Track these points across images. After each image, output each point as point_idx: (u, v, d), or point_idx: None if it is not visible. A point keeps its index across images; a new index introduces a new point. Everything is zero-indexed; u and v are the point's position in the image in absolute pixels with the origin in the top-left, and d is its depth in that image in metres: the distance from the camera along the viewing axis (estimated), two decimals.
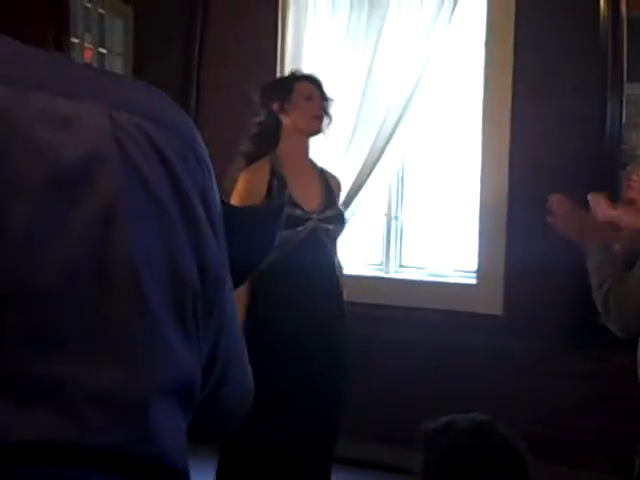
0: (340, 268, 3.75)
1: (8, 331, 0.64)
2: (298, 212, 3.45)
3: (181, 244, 0.74)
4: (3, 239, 0.65)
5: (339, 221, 3.64)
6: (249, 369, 0.97)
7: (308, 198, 3.55)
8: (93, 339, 0.68)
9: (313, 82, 3.73)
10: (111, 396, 0.69)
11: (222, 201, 0.84)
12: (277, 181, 3.54)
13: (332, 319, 3.60)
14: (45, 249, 0.66)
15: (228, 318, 0.85)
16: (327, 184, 3.70)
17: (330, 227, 3.56)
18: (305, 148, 3.70)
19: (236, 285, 0.89)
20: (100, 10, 5.39)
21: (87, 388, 0.67)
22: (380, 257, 5.10)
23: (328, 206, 3.60)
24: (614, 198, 2.84)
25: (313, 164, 3.79)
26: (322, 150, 4.83)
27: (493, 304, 4.59)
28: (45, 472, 0.66)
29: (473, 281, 4.74)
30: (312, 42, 4.91)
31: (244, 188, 3.52)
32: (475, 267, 4.73)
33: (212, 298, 0.78)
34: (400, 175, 5.05)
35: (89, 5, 5.32)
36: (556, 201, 2.60)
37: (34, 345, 0.65)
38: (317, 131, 3.66)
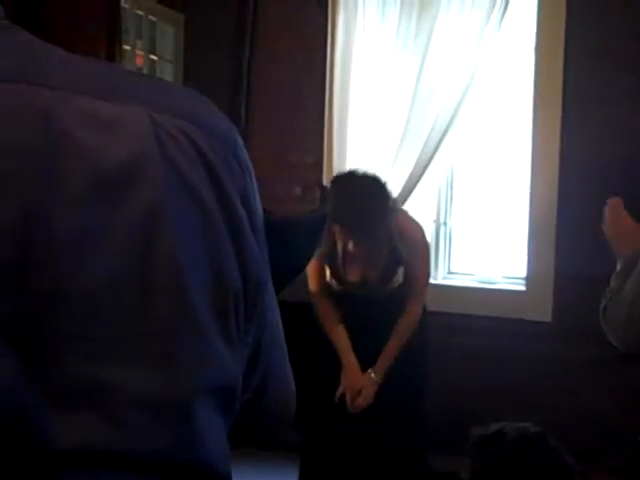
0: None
1: (54, 337, 0.65)
2: None
3: (223, 246, 0.74)
4: (48, 243, 0.65)
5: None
6: (291, 375, 0.96)
7: None
8: (137, 343, 0.68)
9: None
10: (156, 401, 0.69)
11: (264, 210, 0.84)
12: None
13: None
14: (90, 252, 0.66)
15: (269, 323, 0.85)
16: None
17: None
18: None
19: (275, 292, 0.88)
20: (151, 17, 5.42)
21: (132, 393, 0.68)
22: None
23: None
24: None
25: None
26: (371, 155, 4.83)
27: (542, 311, 4.56)
28: (91, 478, 0.66)
29: (522, 288, 4.71)
30: (362, 47, 4.90)
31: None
32: (524, 273, 4.70)
33: (253, 302, 0.78)
34: (449, 181, 5.03)
35: (141, 12, 5.35)
36: (611, 205, 2.54)
37: (79, 350, 0.66)
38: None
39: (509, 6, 4.57)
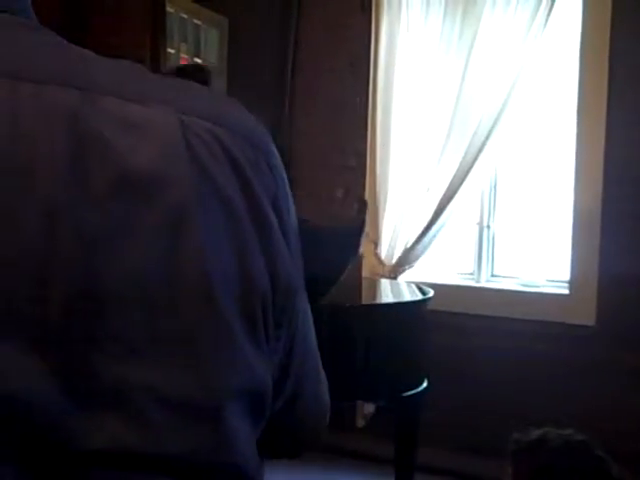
0: None
1: (81, 338, 0.65)
2: None
3: (252, 251, 0.74)
4: (74, 243, 0.65)
5: None
6: (325, 385, 0.96)
7: None
8: (165, 344, 0.68)
9: None
10: (184, 403, 0.69)
11: (302, 220, 0.84)
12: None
13: None
14: (116, 253, 0.66)
15: (301, 330, 0.84)
16: None
17: None
18: None
19: (312, 301, 0.87)
20: (196, 21, 5.46)
21: (160, 395, 0.67)
22: (472, 266, 5.07)
23: None
24: None
25: None
26: (414, 158, 4.83)
27: (586, 314, 4.52)
28: (118, 479, 0.66)
29: (566, 291, 4.68)
30: (405, 49, 4.90)
31: None
32: (568, 277, 4.67)
33: (282, 308, 0.78)
34: (492, 183, 5.01)
35: (185, 16, 5.40)
36: None
37: (106, 352, 0.65)
38: None
39: (554, 6, 4.54)
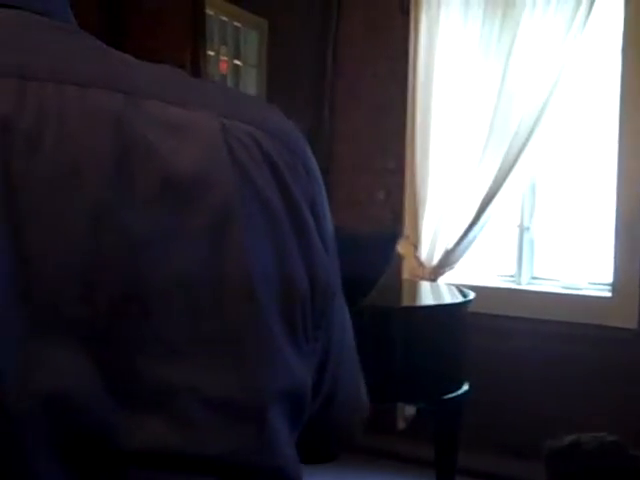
0: None
1: (125, 339, 0.65)
2: None
3: (292, 253, 0.74)
4: (119, 245, 0.65)
5: None
6: (363, 387, 0.95)
7: None
8: (208, 345, 0.69)
9: None
10: (226, 403, 0.69)
11: (337, 227, 0.85)
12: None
13: None
14: (161, 255, 0.67)
15: (338, 333, 0.85)
16: None
17: None
18: None
19: (350, 306, 0.88)
20: (236, 23, 5.49)
21: (202, 395, 0.68)
22: (512, 269, 5.04)
23: None
24: None
25: None
26: (454, 160, 4.82)
27: (628, 317, 4.49)
28: (160, 478, 0.67)
29: (608, 294, 4.65)
30: (444, 51, 4.89)
31: None
32: (610, 279, 4.63)
33: (321, 310, 0.78)
34: (533, 185, 4.98)
35: (225, 18, 5.43)
36: None
37: (150, 352, 0.66)
38: None
39: (594, 6, 4.51)
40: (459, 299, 3.92)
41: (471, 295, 3.87)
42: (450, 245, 4.87)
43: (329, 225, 0.82)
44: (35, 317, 0.62)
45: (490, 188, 4.73)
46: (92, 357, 0.64)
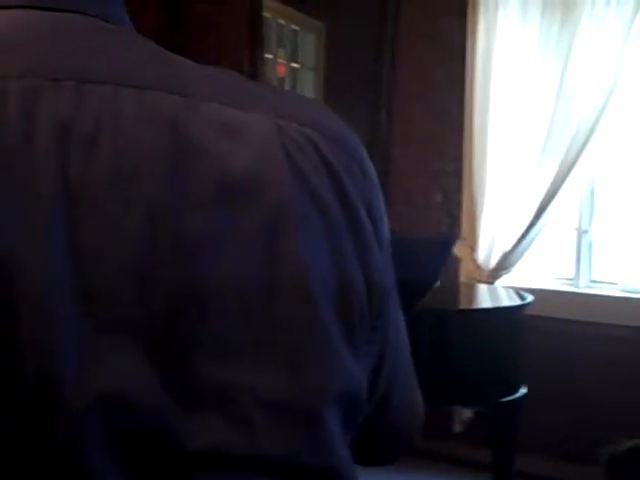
0: None
1: (182, 337, 0.65)
2: None
3: (348, 255, 0.74)
4: (175, 246, 0.66)
5: None
6: (417, 391, 0.95)
7: None
8: (264, 346, 0.68)
9: None
10: (284, 405, 0.69)
11: (393, 229, 0.84)
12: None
13: None
14: (217, 256, 0.67)
15: (393, 336, 0.84)
16: None
17: None
18: None
19: (405, 309, 0.88)
20: (293, 26, 5.52)
21: (259, 397, 0.68)
22: (571, 272, 5.00)
23: None
24: None
25: None
26: (512, 163, 4.79)
27: None
28: (216, 479, 0.67)
29: None
30: (502, 52, 4.87)
31: None
32: None
33: (377, 312, 0.78)
34: (591, 187, 4.94)
35: (282, 22, 5.46)
36: None
37: (207, 353, 0.66)
38: None
39: None
40: (517, 302, 3.90)
41: (529, 298, 3.85)
42: (508, 247, 4.84)
43: (385, 227, 0.81)
44: (92, 317, 0.63)
45: (548, 190, 4.70)
46: (150, 357, 0.64)
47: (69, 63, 0.67)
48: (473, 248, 4.92)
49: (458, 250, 4.88)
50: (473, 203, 4.91)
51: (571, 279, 4.98)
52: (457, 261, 4.92)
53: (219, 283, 0.67)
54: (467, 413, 4.84)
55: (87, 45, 0.71)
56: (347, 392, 0.73)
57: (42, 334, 0.61)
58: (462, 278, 4.96)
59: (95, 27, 0.73)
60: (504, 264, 4.86)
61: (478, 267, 4.92)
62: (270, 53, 5.36)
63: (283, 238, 0.69)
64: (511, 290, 4.24)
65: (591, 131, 4.60)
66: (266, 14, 5.27)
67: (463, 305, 4.53)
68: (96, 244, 0.63)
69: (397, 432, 0.95)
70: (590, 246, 4.97)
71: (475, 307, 4.39)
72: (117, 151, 0.65)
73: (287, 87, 5.47)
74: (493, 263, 4.90)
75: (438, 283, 3.74)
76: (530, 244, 4.81)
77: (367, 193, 0.78)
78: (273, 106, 0.75)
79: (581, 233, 4.95)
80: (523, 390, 3.73)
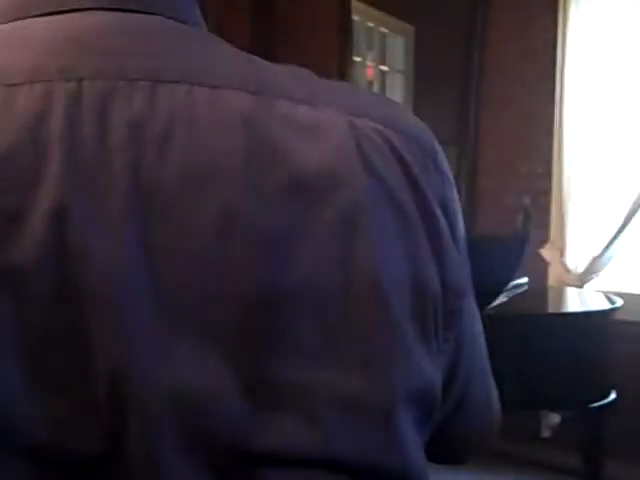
0: None
1: (256, 337, 0.65)
2: None
3: (423, 253, 0.73)
4: (251, 246, 0.65)
5: None
6: (494, 391, 0.94)
7: None
8: (338, 345, 0.68)
9: None
10: (356, 405, 0.68)
11: (466, 230, 0.83)
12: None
13: None
14: (291, 255, 0.66)
15: (468, 335, 0.83)
16: None
17: None
18: None
19: (481, 307, 0.87)
20: (382, 29, 5.52)
21: (334, 397, 0.67)
22: None
23: None
24: None
25: None
26: (603, 165, 4.73)
27: None
28: (288, 478, 0.67)
29: None
30: (595, 49, 4.80)
31: None
32: None
33: (452, 310, 0.77)
34: None
35: (371, 24, 5.47)
36: None
37: (281, 353, 0.66)
38: None
39: None
40: (606, 306, 3.85)
41: (618, 302, 3.80)
42: (597, 251, 4.78)
43: (460, 223, 0.80)
44: (166, 317, 0.63)
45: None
46: (224, 357, 0.64)
47: (142, 63, 0.68)
48: (562, 252, 4.87)
49: (546, 253, 4.84)
50: (562, 206, 4.86)
51: None
52: (546, 265, 4.87)
53: (293, 282, 0.66)
54: (555, 418, 4.79)
55: (160, 45, 0.71)
56: (421, 392, 0.73)
57: (116, 334, 0.61)
58: (551, 282, 4.91)
59: (168, 28, 0.73)
60: (593, 268, 4.80)
61: (567, 271, 4.86)
62: (359, 56, 5.38)
63: (357, 237, 0.69)
64: (600, 294, 4.19)
65: None
66: (355, 17, 5.29)
67: (552, 309, 4.49)
68: (170, 243, 0.63)
69: (471, 436, 0.94)
70: None
71: (564, 311, 4.35)
72: (191, 150, 0.66)
73: (376, 90, 5.45)
74: (582, 267, 4.84)
75: (526, 287, 3.72)
76: (620, 248, 4.74)
77: (442, 190, 0.77)
78: (346, 103, 0.74)
79: None
80: (612, 395, 3.68)
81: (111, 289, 0.61)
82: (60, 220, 0.61)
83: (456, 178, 0.85)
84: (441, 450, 0.88)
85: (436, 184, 0.76)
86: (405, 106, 0.78)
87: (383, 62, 5.57)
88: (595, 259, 4.79)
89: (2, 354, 0.59)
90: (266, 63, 0.76)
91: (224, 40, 0.76)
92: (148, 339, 0.62)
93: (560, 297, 4.60)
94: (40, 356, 0.60)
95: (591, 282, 4.82)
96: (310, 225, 0.67)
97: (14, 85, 0.64)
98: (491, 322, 0.89)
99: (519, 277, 3.55)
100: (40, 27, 0.69)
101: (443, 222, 0.75)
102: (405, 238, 0.72)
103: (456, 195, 0.80)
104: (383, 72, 5.60)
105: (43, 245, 0.60)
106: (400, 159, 0.74)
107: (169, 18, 0.74)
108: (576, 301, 4.46)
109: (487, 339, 0.89)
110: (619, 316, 3.78)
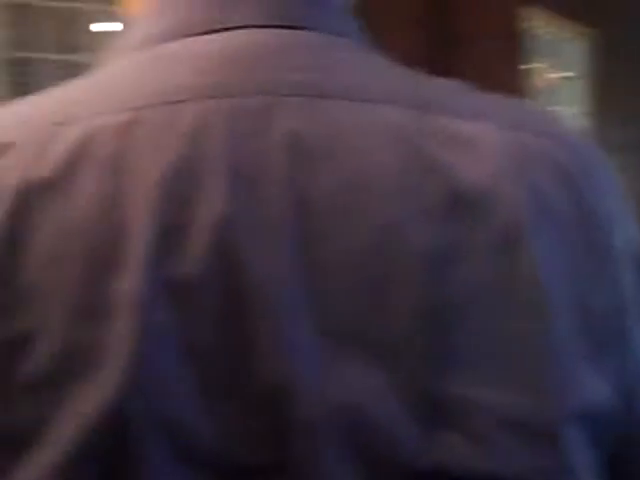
0: None
1: (419, 353, 0.64)
2: None
3: (584, 270, 0.70)
4: (410, 262, 0.65)
5: None
6: None
7: None
8: (500, 363, 0.66)
9: None
10: (522, 423, 0.66)
11: None
12: None
13: None
14: (451, 270, 0.66)
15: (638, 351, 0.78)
16: None
17: None
18: None
19: None
20: (559, 34, 5.51)
21: (498, 414, 0.65)
22: None
23: None
24: None
25: None
26: None
27: None
28: None
29: None
30: None
31: None
32: None
33: (620, 326, 0.73)
34: None
35: (548, 30, 5.45)
36: None
37: (444, 369, 0.65)
38: None
39: None
40: None
41: None
42: None
43: (635, 244, 0.77)
44: (328, 331, 0.64)
45: None
46: (386, 372, 0.64)
47: (299, 79, 0.70)
48: None
49: None
50: None
51: None
52: None
53: (456, 298, 0.66)
54: None
55: (317, 61, 0.73)
56: (589, 410, 0.70)
57: (277, 350, 0.63)
58: None
59: (324, 42, 0.75)
60: None
61: None
62: (535, 63, 5.39)
63: (517, 254, 0.68)
64: None
65: None
66: (530, 23, 5.32)
67: None
68: (328, 258, 0.65)
69: None
70: None
71: None
72: (348, 166, 0.66)
73: (553, 97, 5.53)
74: None
75: None
76: None
77: (605, 200, 0.74)
78: (502, 116, 0.73)
79: None
80: None
81: (272, 306, 0.63)
82: (223, 235, 0.63)
83: None
84: (629, 474, 0.80)
85: (599, 195, 0.74)
86: (566, 120, 0.68)
87: (560, 68, 5.60)
88: None
89: (179, 369, 0.61)
90: (423, 77, 0.76)
91: (384, 53, 0.77)
92: (309, 355, 0.64)
93: None
94: (207, 372, 0.62)
95: None
96: (468, 241, 0.67)
97: (176, 102, 0.67)
98: None
99: None
100: (199, 46, 0.73)
101: (606, 235, 0.73)
102: (565, 255, 0.71)
103: (623, 207, 0.78)
104: (560, 79, 5.64)
105: (207, 260, 0.63)
106: (562, 172, 0.72)
107: (325, 33, 0.76)
108: None
109: None
110: None
